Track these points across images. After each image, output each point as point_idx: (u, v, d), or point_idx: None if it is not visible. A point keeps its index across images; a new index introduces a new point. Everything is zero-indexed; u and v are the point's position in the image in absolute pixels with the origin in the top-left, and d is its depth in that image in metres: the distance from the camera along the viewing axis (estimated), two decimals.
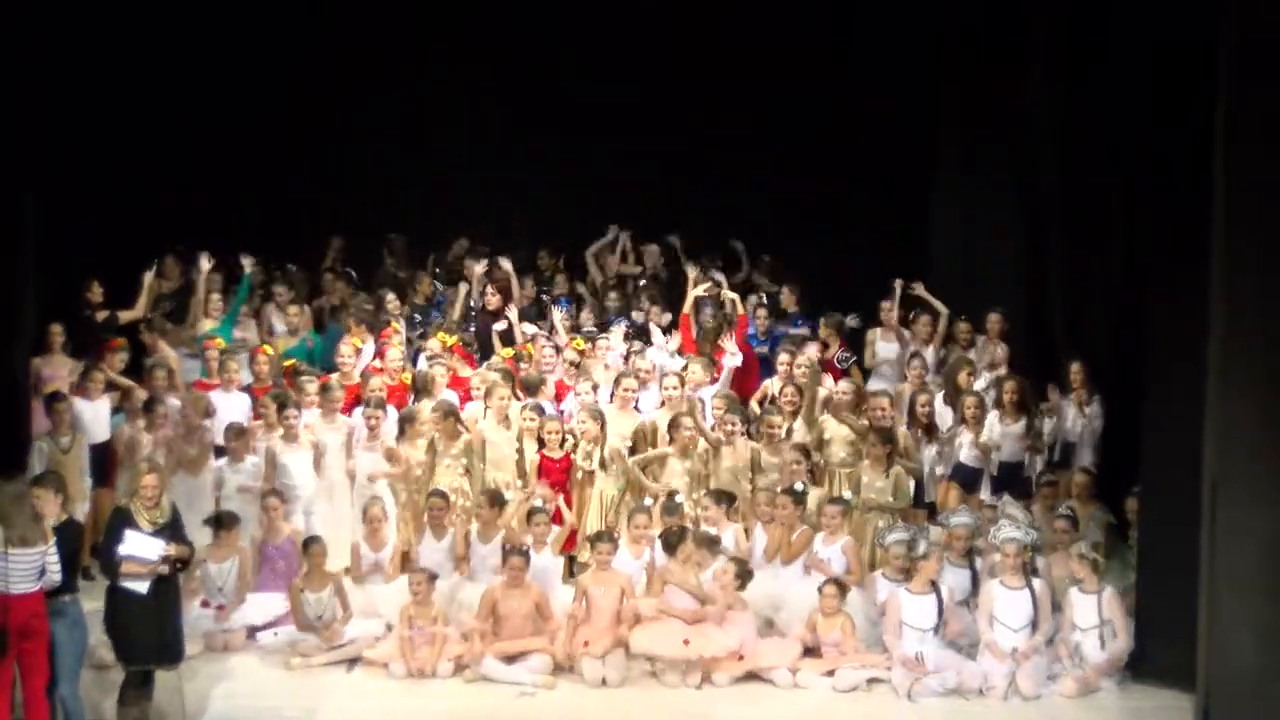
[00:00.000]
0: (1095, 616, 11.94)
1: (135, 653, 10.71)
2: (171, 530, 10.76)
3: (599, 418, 13.65)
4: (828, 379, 14.71)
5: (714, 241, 16.85)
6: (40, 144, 13.01)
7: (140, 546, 10.57)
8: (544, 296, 16.43)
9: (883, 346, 15.41)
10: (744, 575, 12.25)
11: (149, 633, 10.70)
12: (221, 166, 17.21)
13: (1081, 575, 12.02)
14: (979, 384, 14.49)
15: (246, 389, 14.39)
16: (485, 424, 13.60)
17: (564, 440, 13.58)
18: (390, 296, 15.86)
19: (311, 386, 14.10)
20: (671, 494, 13.11)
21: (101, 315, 15.01)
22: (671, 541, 12.30)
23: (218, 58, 17.13)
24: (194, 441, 13.60)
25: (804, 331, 15.72)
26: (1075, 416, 14.04)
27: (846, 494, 13.20)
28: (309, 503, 13.46)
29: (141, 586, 10.58)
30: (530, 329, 15.48)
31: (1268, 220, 10.72)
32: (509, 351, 15.02)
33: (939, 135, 17.36)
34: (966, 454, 13.85)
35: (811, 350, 14.88)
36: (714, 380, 14.53)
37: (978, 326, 15.33)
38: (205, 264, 15.34)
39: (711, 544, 12.50)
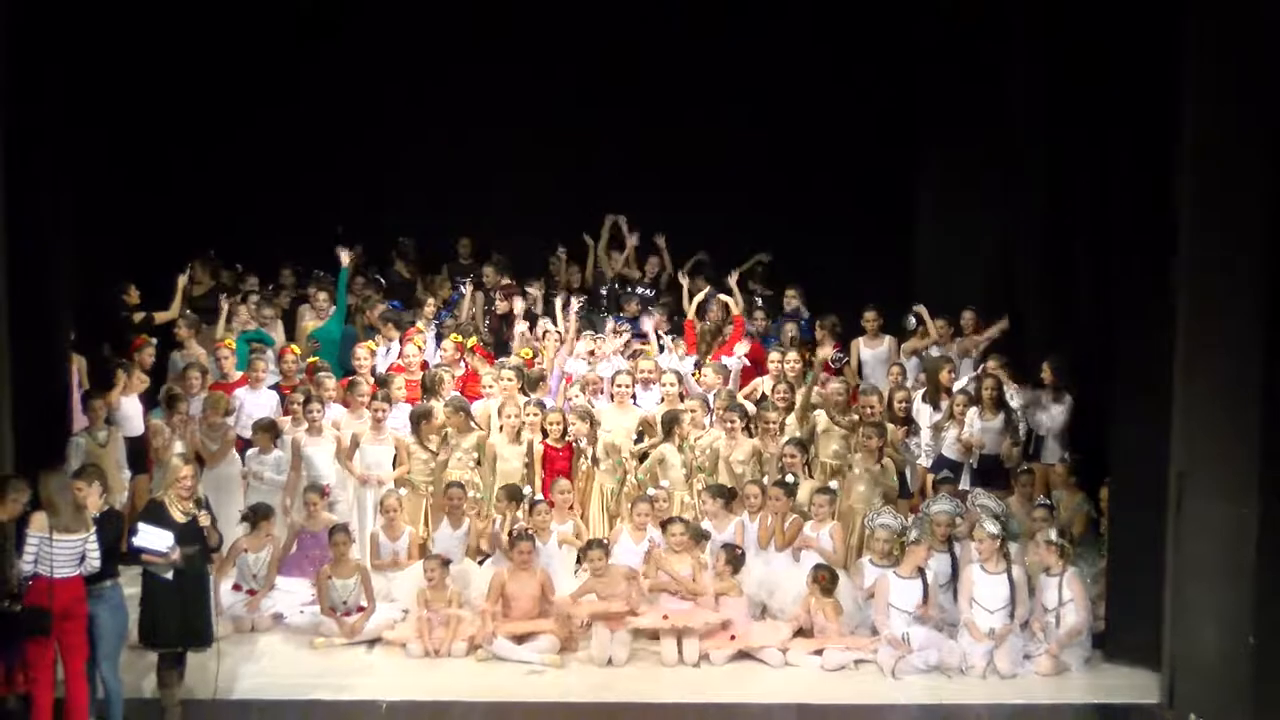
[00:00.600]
0: (1058, 597, 12.10)
1: (160, 636, 10.84)
2: (199, 522, 10.91)
3: (587, 417, 13.81)
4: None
5: (711, 247, 17.06)
6: (70, 154, 13.07)
7: (151, 539, 10.66)
8: (552, 298, 16.40)
9: (866, 352, 15.59)
10: (734, 560, 12.45)
11: (175, 618, 10.81)
12: (242, 176, 17.27)
13: (1049, 561, 12.15)
14: (959, 383, 14.62)
15: (274, 386, 14.48)
16: (497, 439, 13.71)
17: (565, 431, 13.70)
18: (430, 301, 16.00)
19: (330, 382, 14.20)
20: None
21: (138, 316, 15.08)
22: (664, 525, 12.54)
23: (240, 75, 17.18)
24: (215, 438, 13.74)
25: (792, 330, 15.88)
26: (1045, 412, 14.10)
27: (834, 484, 13.32)
28: (331, 493, 13.47)
29: (167, 573, 10.71)
30: (552, 327, 15.59)
31: (1230, 229, 10.90)
32: (528, 352, 15.11)
33: (922, 148, 17.38)
34: (949, 447, 14.03)
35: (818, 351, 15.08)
36: (725, 383, 14.71)
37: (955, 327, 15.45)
38: (224, 304, 15.40)
39: (701, 537, 12.70)
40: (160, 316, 15.23)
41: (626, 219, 17.25)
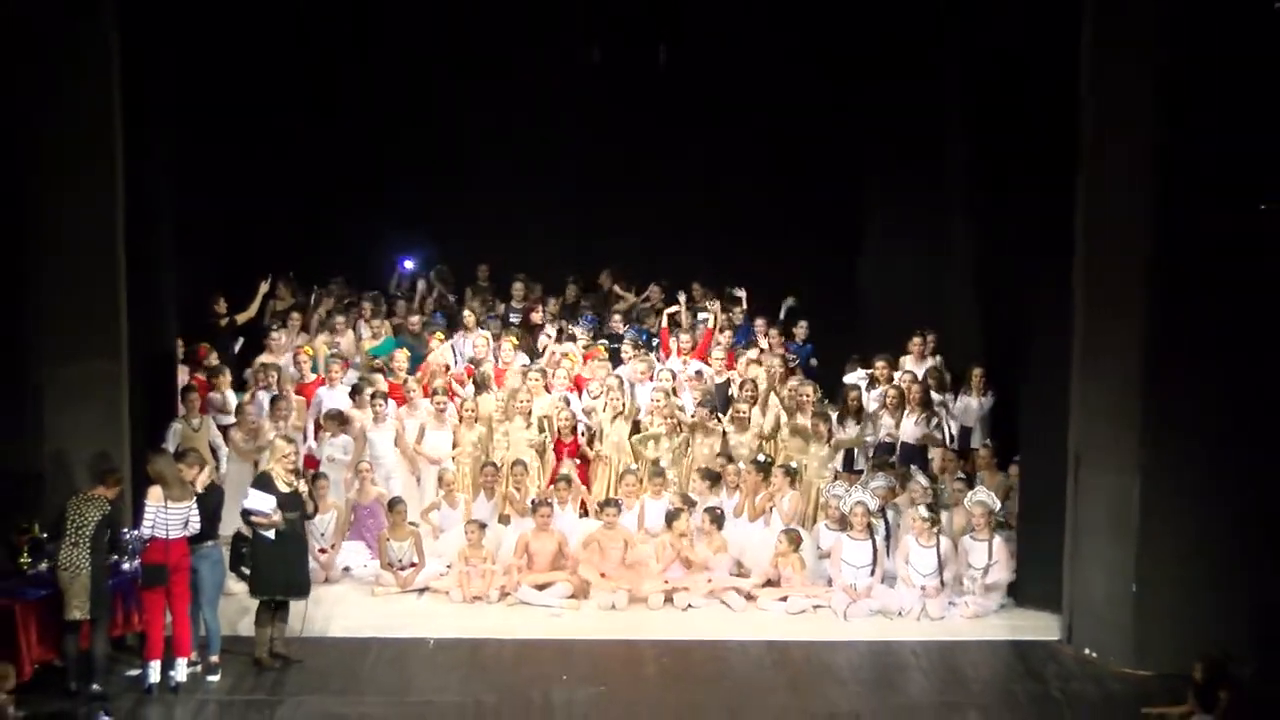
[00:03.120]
0: (985, 558, 12.33)
1: (265, 587, 11.05)
2: (298, 492, 11.20)
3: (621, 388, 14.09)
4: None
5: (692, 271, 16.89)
6: (178, 181, 13.18)
7: (257, 502, 10.91)
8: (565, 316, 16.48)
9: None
10: (717, 520, 12.74)
11: (279, 572, 10.99)
12: (313, 206, 17.31)
13: (977, 524, 12.37)
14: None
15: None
16: (511, 425, 13.86)
17: (575, 428, 13.90)
18: (469, 315, 15.86)
19: (381, 382, 14.28)
20: (656, 461, 13.56)
21: (224, 322, 15.12)
22: (670, 518, 12.73)
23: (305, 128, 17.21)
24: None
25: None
26: (974, 408, 14.16)
27: (793, 463, 13.50)
28: (389, 471, 13.75)
29: (269, 534, 10.93)
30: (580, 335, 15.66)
31: (1116, 268, 11.22)
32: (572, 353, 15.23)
33: (867, 186, 17.30)
34: (885, 434, 14.14)
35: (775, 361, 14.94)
36: (709, 383, 14.72)
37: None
38: (287, 337, 15.21)
39: (689, 503, 13.00)
40: (240, 317, 15.26)
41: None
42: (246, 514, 11.02)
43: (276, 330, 15.10)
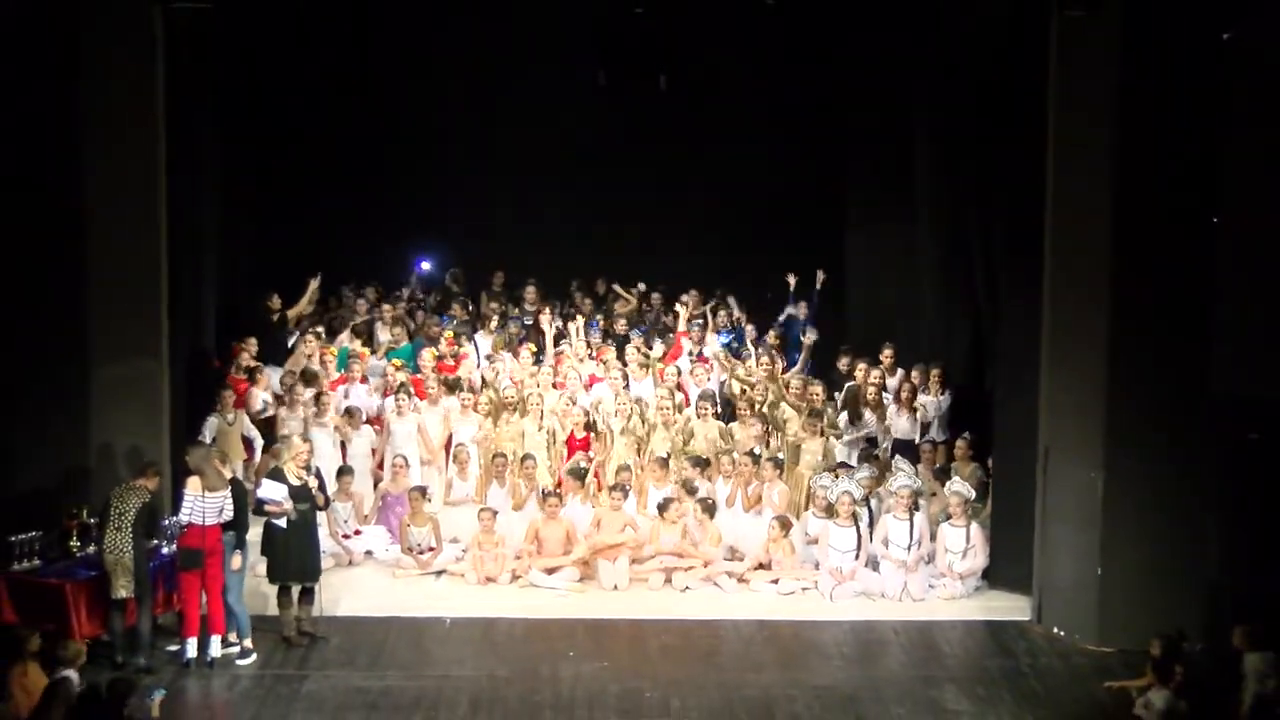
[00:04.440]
0: (963, 543, 12.38)
1: (280, 573, 11.26)
2: (308, 485, 11.31)
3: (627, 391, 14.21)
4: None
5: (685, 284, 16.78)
6: (218, 187, 13.44)
7: (271, 491, 11.12)
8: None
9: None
10: (709, 510, 12.81)
11: (292, 559, 11.17)
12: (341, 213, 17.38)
13: (954, 512, 12.43)
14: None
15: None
16: (524, 422, 13.82)
17: (589, 424, 13.92)
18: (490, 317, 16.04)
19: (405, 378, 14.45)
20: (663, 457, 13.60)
21: (277, 318, 15.09)
22: (662, 507, 12.85)
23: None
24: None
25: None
26: (932, 406, 14.16)
27: (780, 455, 13.57)
28: (410, 460, 13.63)
29: (281, 522, 11.09)
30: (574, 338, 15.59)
31: (1082, 270, 11.39)
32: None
33: (851, 204, 17.21)
34: (871, 428, 14.22)
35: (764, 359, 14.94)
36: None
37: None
38: (306, 341, 14.90)
39: (691, 490, 13.08)
40: (291, 312, 15.28)
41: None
42: (261, 503, 11.18)
43: (311, 331, 15.18)
